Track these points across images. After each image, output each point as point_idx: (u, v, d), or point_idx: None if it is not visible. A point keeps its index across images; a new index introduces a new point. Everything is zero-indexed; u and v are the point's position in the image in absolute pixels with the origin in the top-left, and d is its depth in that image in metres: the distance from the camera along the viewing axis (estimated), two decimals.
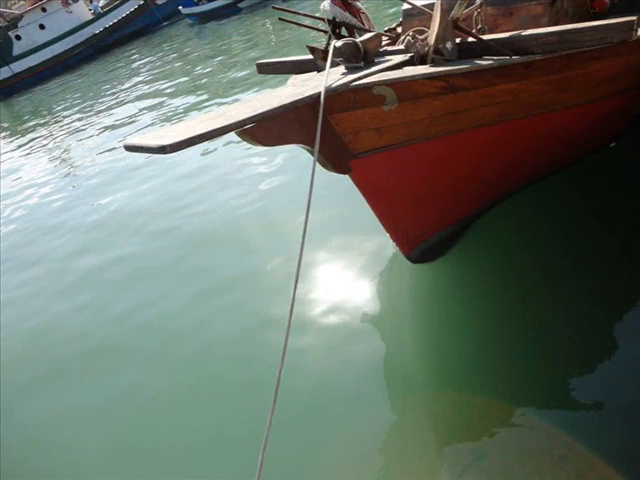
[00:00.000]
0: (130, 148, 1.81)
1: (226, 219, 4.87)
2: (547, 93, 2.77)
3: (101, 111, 12.71)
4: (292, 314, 1.65)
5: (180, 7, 25.66)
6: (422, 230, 3.11)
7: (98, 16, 27.75)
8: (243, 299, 3.67)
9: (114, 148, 8.85)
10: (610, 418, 2.19)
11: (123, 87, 14.59)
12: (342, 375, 2.82)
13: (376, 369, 2.86)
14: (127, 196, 6.40)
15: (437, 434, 2.47)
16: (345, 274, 3.60)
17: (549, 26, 2.94)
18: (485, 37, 2.55)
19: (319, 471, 2.39)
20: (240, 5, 22.48)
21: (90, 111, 13.42)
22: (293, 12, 3.31)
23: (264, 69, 3.80)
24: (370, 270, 3.51)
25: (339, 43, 2.42)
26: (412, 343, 3.01)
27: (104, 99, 14.07)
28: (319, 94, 2.06)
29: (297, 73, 3.16)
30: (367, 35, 2.59)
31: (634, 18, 2.24)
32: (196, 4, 24.62)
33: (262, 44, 13.63)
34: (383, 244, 3.57)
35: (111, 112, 12.03)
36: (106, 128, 10.81)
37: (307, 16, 3.33)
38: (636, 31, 2.28)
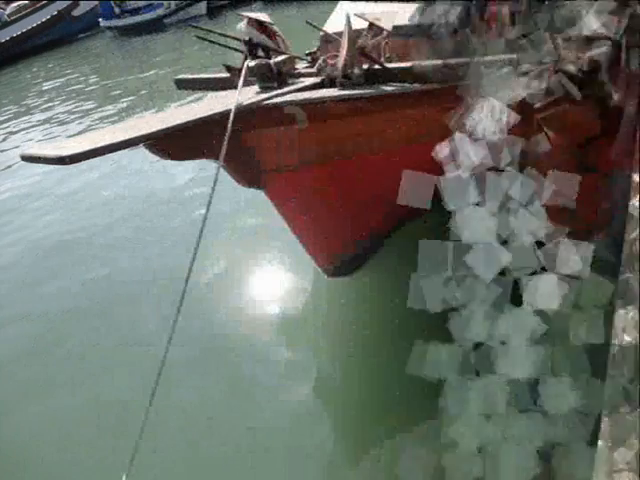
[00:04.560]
0: (27, 158, 1.72)
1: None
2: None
3: None
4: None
5: (100, 19, 24.68)
6: (337, 245, 3.22)
7: (4, 24, 25.75)
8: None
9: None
10: None
11: (26, 102, 13.31)
12: (257, 392, 2.84)
13: (292, 382, 2.90)
14: None
15: (354, 443, 2.55)
16: (260, 288, 3.64)
17: None
18: (389, 65, 2.74)
19: None
20: (166, 21, 22.08)
21: None
22: (210, 31, 3.36)
23: (183, 85, 3.79)
24: (286, 284, 3.57)
25: (252, 63, 2.50)
26: (328, 356, 3.10)
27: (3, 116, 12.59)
28: (230, 110, 2.12)
29: (216, 90, 3.20)
30: (281, 57, 2.69)
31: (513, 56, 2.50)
32: (117, 17, 23.77)
33: (188, 62, 13.45)
34: (299, 258, 3.65)
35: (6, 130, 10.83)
36: None
37: (224, 36, 3.38)
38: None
